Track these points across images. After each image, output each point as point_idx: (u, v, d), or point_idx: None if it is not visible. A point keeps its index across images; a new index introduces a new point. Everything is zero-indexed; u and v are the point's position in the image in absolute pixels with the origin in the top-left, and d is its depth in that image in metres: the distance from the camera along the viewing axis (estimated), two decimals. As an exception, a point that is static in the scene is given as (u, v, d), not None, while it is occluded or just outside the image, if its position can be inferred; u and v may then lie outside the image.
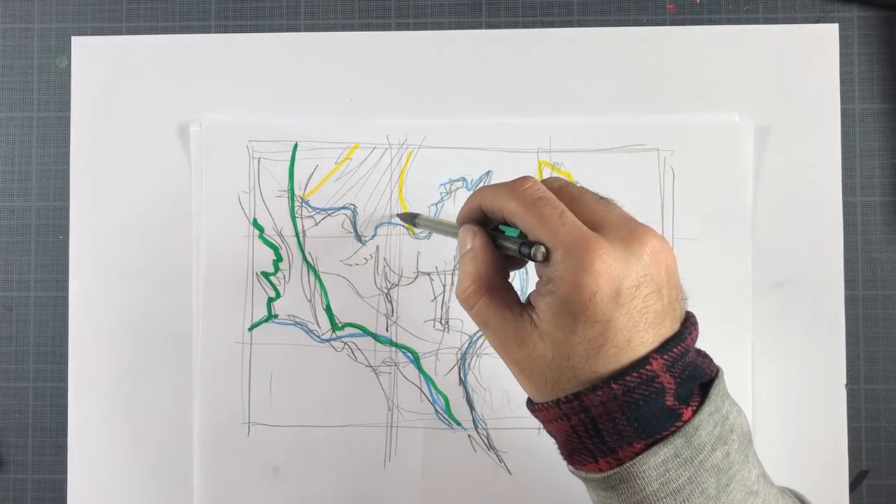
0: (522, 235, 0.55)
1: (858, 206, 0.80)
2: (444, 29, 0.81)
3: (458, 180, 0.79)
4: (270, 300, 0.79)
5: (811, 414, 0.78)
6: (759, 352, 0.78)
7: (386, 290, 0.79)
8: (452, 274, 0.79)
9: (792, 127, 0.79)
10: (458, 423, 0.79)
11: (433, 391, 0.79)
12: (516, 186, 0.55)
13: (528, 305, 0.55)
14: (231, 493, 0.79)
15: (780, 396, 0.78)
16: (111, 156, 0.80)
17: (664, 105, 0.79)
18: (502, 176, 0.77)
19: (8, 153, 0.82)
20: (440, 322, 0.79)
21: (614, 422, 0.51)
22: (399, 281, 0.79)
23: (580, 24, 0.81)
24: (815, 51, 0.80)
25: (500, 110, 0.80)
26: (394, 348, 0.79)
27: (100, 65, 0.81)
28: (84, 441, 0.80)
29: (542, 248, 0.52)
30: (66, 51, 0.82)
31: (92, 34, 0.82)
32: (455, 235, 0.64)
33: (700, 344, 0.55)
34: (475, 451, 0.79)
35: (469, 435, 0.79)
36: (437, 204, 0.79)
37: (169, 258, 0.80)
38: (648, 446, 0.51)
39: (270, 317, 0.79)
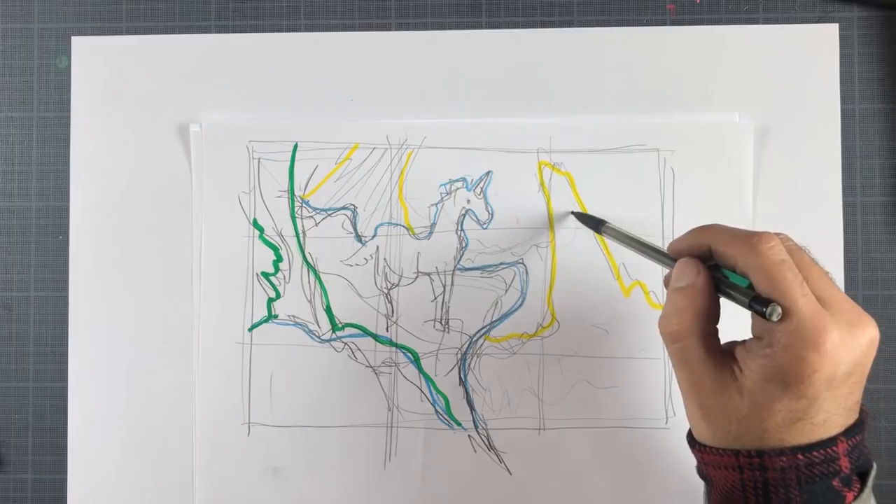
0: (751, 287, 0.55)
1: (858, 206, 0.80)
2: (444, 29, 0.81)
3: (458, 180, 0.79)
4: (270, 300, 0.79)
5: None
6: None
7: (386, 291, 0.79)
8: (453, 274, 0.79)
9: (792, 127, 0.79)
10: (459, 424, 0.79)
11: (433, 391, 0.79)
12: (761, 242, 0.54)
13: (731, 356, 0.56)
14: (231, 493, 0.79)
15: (781, 396, 0.78)
16: (111, 156, 0.80)
17: (664, 105, 0.79)
18: (502, 176, 0.77)
19: (8, 153, 0.82)
20: (440, 322, 0.79)
21: (787, 489, 0.53)
22: (399, 281, 0.79)
23: (580, 24, 0.81)
24: (815, 51, 0.79)
25: (500, 110, 0.80)
26: (394, 348, 0.79)
27: (100, 65, 0.81)
28: (84, 441, 0.80)
29: (779, 309, 0.51)
30: (66, 51, 0.82)
31: (92, 34, 0.82)
32: (652, 255, 0.66)
33: None
34: (475, 451, 0.79)
35: (469, 435, 0.79)
36: (437, 204, 0.79)
37: (169, 258, 0.80)
38: None
39: (270, 317, 0.79)
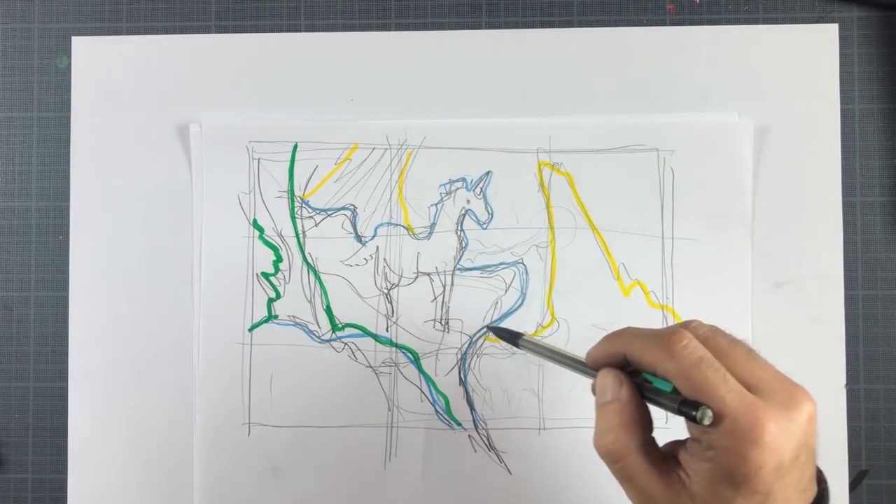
0: (676, 391, 0.52)
1: (858, 206, 0.80)
2: (444, 29, 0.81)
3: (457, 181, 0.79)
4: (270, 301, 0.79)
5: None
6: (759, 351, 0.78)
7: (386, 291, 0.79)
8: (453, 274, 0.79)
9: (792, 127, 0.79)
10: (459, 424, 0.79)
11: (433, 391, 0.79)
12: (673, 343, 0.52)
13: (675, 462, 0.54)
14: (231, 493, 0.79)
15: (780, 396, 0.78)
16: (111, 156, 0.81)
17: (664, 105, 0.79)
18: (502, 176, 0.77)
19: (8, 153, 0.82)
20: (440, 322, 0.79)
21: None
22: (399, 281, 0.79)
23: (580, 24, 0.81)
24: (815, 51, 0.80)
25: (499, 110, 0.80)
26: (394, 349, 0.79)
27: (100, 65, 0.81)
28: (84, 441, 0.80)
29: (710, 413, 0.49)
30: (66, 51, 0.82)
31: (92, 34, 0.82)
32: (570, 366, 0.63)
33: None
34: (475, 451, 0.79)
35: (469, 435, 0.79)
36: (436, 204, 0.79)
37: (169, 258, 0.80)
38: None
39: (270, 317, 0.79)
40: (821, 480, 0.54)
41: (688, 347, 0.52)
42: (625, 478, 0.55)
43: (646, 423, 0.55)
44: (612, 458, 0.55)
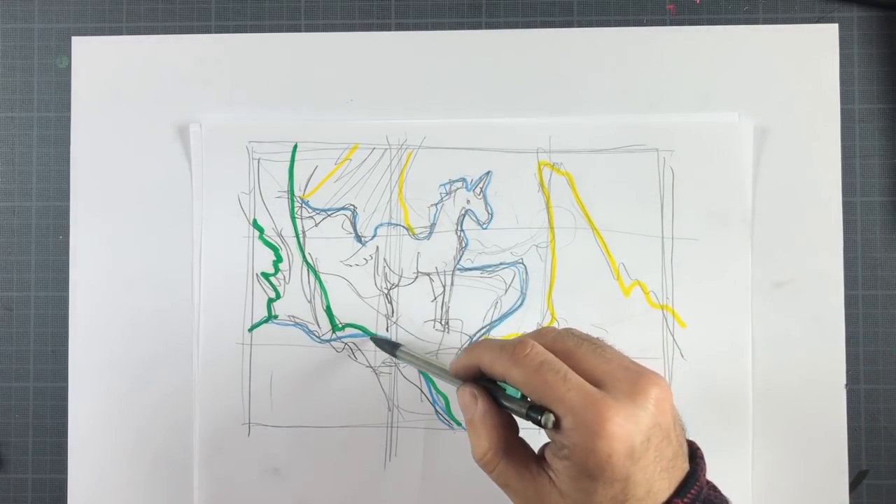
0: (524, 397, 0.55)
1: (858, 206, 0.80)
2: (444, 29, 0.81)
3: (457, 181, 0.79)
4: (270, 301, 0.79)
5: (811, 414, 0.78)
6: (758, 352, 0.78)
7: (386, 291, 0.79)
8: (453, 274, 0.79)
9: (792, 127, 0.79)
10: (459, 424, 0.79)
11: (433, 391, 0.79)
12: (517, 353, 0.55)
13: (545, 461, 0.56)
14: (231, 493, 0.79)
15: (781, 396, 0.78)
16: (111, 156, 0.80)
17: (664, 105, 0.79)
18: (502, 176, 0.78)
19: (8, 153, 0.82)
20: (440, 322, 0.79)
21: None
22: (399, 281, 0.79)
23: (580, 24, 0.81)
24: (815, 51, 0.79)
25: (499, 110, 0.80)
26: (394, 349, 0.79)
27: (100, 65, 0.81)
28: (84, 441, 0.80)
29: (552, 417, 0.52)
30: (66, 51, 0.82)
31: (92, 34, 0.82)
32: (442, 377, 0.66)
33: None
34: (475, 451, 0.79)
35: (469, 435, 0.79)
36: (436, 204, 0.79)
37: (169, 258, 0.80)
38: None
39: (270, 317, 0.79)
40: (693, 455, 0.56)
41: (530, 355, 0.54)
42: (502, 483, 0.58)
43: (511, 429, 0.59)
44: (487, 468, 0.58)
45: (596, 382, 0.53)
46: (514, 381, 0.55)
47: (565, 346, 0.56)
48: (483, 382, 0.60)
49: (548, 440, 0.56)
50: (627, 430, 0.50)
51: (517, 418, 0.58)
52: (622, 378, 0.53)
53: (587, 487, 0.52)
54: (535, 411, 0.53)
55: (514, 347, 0.55)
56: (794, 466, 0.78)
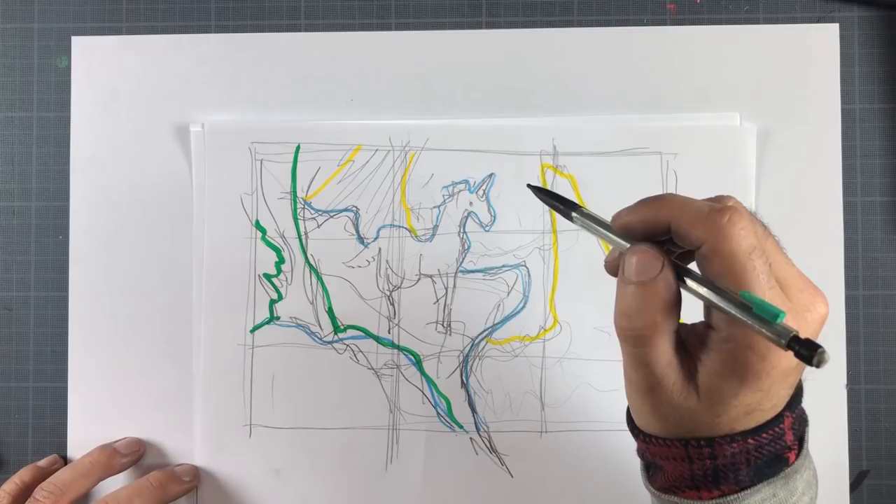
0: (760, 308, 0.46)
1: (858, 206, 0.80)
2: (444, 29, 0.81)
3: (460, 182, 0.79)
4: (272, 302, 0.79)
5: (811, 414, 0.78)
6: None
7: (388, 293, 0.79)
8: (455, 276, 0.79)
9: (792, 127, 0.79)
10: (460, 426, 0.79)
11: (435, 394, 0.79)
12: (732, 224, 0.48)
13: (687, 351, 0.52)
14: (232, 494, 0.79)
15: (781, 397, 0.78)
16: (111, 156, 0.80)
17: (664, 105, 0.79)
18: (505, 178, 0.78)
19: (8, 153, 0.82)
20: (442, 325, 0.79)
21: (737, 472, 0.50)
22: (401, 283, 0.79)
23: (580, 24, 0.81)
24: (815, 51, 0.80)
25: (500, 111, 0.80)
26: (396, 351, 0.79)
27: (100, 65, 0.81)
28: (84, 441, 0.80)
29: (827, 356, 0.43)
30: (66, 51, 0.81)
31: (92, 34, 0.82)
32: (608, 238, 0.57)
33: None
34: (477, 453, 0.79)
35: (471, 438, 0.79)
36: (439, 206, 0.79)
37: (169, 258, 0.80)
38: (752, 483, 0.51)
39: (272, 319, 0.79)
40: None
41: (744, 232, 0.48)
42: (642, 363, 0.51)
43: (678, 310, 0.52)
44: (638, 342, 0.51)
45: (778, 280, 0.49)
46: (717, 253, 0.48)
47: (768, 241, 0.50)
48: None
49: (689, 324, 0.53)
50: None
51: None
52: (803, 290, 0.50)
53: (731, 389, 0.48)
54: (806, 347, 0.43)
55: (725, 215, 0.48)
56: (795, 466, 0.78)
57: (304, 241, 0.79)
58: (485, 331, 0.79)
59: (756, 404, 0.49)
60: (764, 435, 0.50)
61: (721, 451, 0.50)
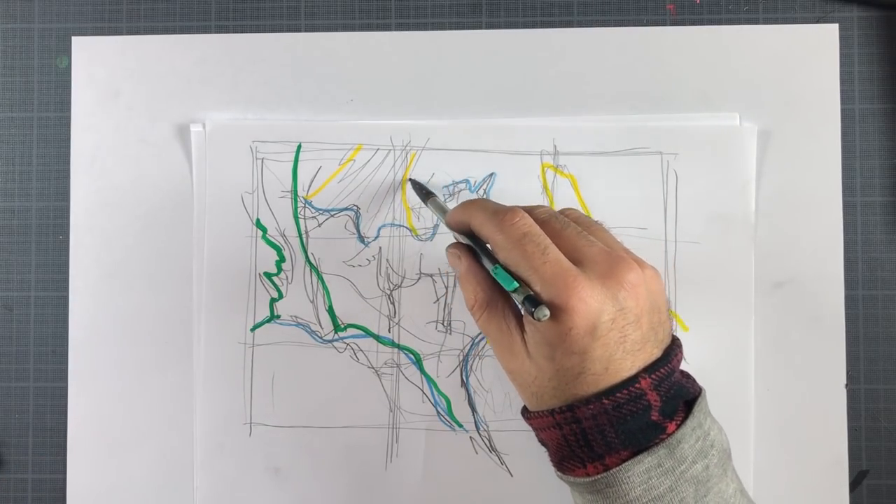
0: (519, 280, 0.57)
1: (858, 206, 0.80)
2: (444, 29, 0.81)
3: (461, 182, 0.79)
4: (273, 301, 0.79)
5: (811, 414, 0.78)
6: (759, 352, 0.78)
7: (388, 292, 0.79)
8: (455, 276, 0.79)
9: (792, 127, 0.79)
10: (460, 425, 0.79)
11: (435, 393, 0.79)
12: (505, 220, 0.58)
13: (521, 320, 0.60)
14: (232, 493, 0.79)
15: (781, 396, 0.78)
16: (111, 156, 0.80)
17: (664, 105, 0.79)
18: (506, 179, 0.78)
19: (8, 153, 0.82)
20: (442, 324, 0.79)
21: (603, 434, 0.55)
22: (402, 282, 0.79)
23: (580, 24, 0.81)
24: (815, 51, 0.80)
25: (500, 111, 0.80)
26: (396, 350, 0.79)
27: (100, 65, 0.81)
28: (84, 441, 0.80)
29: (547, 311, 0.53)
30: (66, 51, 0.81)
31: (92, 34, 0.82)
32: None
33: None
34: (477, 452, 0.79)
35: (471, 437, 0.79)
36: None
37: (169, 258, 0.80)
38: (634, 454, 0.55)
39: (273, 317, 0.79)
40: (671, 345, 0.58)
41: (516, 225, 0.57)
42: (485, 332, 0.62)
43: (494, 284, 0.61)
44: (474, 317, 0.62)
45: (576, 261, 0.55)
46: (496, 245, 0.58)
47: (554, 225, 0.59)
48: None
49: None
50: (591, 307, 0.53)
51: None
52: (601, 261, 0.55)
53: (547, 354, 0.56)
54: (531, 302, 0.54)
55: (504, 214, 0.58)
56: (794, 466, 0.78)
57: (304, 239, 0.79)
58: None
59: (578, 367, 0.55)
60: (619, 395, 0.54)
61: (581, 413, 0.55)
